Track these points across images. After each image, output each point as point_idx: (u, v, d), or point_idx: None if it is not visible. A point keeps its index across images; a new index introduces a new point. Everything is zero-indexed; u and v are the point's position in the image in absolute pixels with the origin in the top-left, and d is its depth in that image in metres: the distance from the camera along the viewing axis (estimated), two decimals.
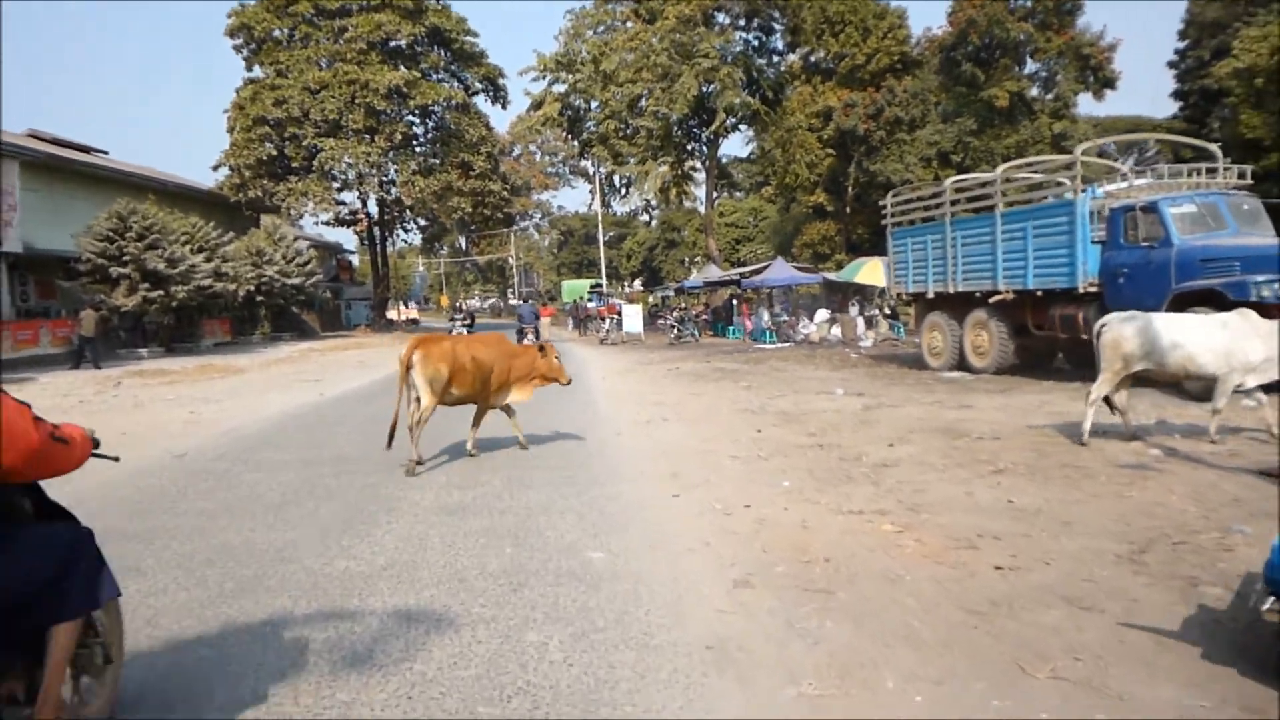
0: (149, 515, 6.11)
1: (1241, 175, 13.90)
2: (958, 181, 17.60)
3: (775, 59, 41.23)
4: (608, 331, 32.76)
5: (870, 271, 28.56)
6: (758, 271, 32.88)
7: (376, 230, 46.19)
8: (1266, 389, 7.73)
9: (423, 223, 50.24)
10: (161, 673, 3.35)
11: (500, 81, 45.52)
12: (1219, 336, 7.58)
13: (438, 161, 42.03)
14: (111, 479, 6.63)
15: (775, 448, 8.41)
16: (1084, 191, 13.46)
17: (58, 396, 14.84)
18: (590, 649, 3.61)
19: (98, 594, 2.70)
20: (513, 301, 72.90)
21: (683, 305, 39.84)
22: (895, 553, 4.88)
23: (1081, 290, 13.10)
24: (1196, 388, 10.57)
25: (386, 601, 4.23)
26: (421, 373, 7.74)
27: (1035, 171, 17.57)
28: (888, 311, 28.38)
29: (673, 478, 7.11)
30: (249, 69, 41.93)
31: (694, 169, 41.64)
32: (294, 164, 39.56)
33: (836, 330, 27.96)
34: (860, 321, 27.40)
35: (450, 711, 3.10)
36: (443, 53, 43.39)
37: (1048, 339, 14.60)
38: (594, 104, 40.31)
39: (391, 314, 52.72)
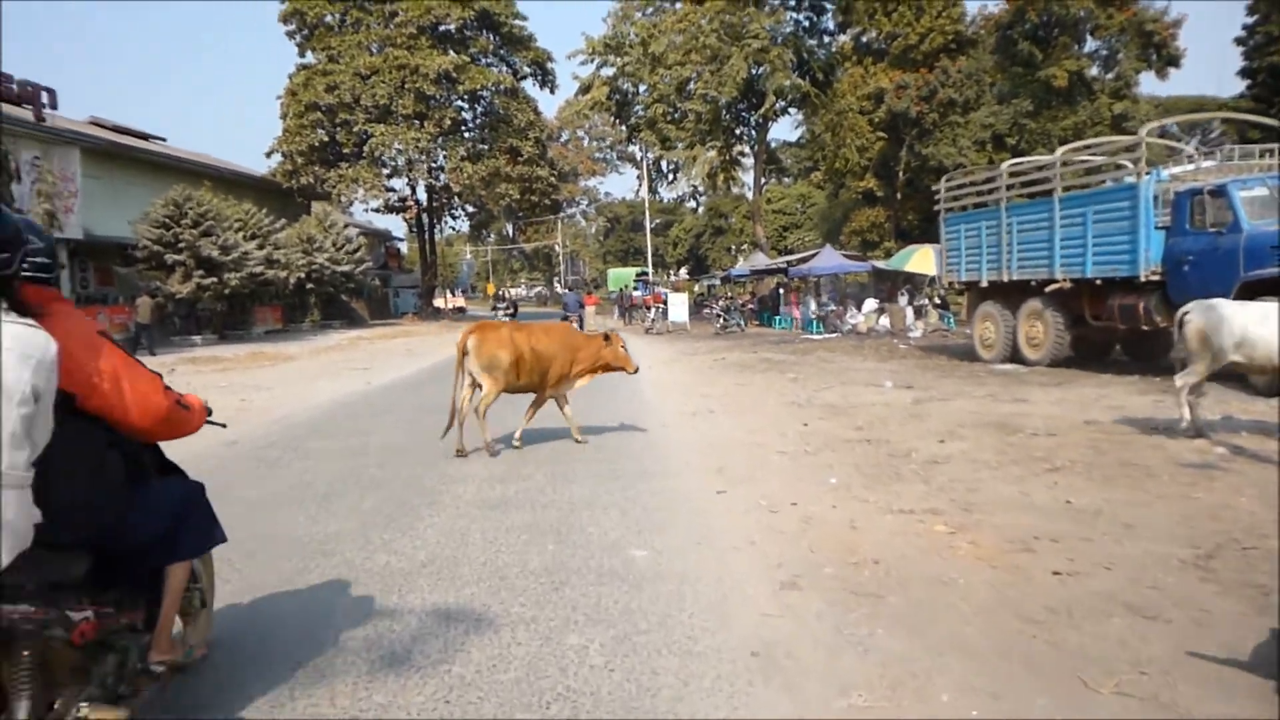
0: None
1: None
2: (1014, 165, 17.14)
3: (826, 40, 40.58)
4: (653, 321, 32.66)
5: (920, 260, 27.98)
6: (805, 259, 32.45)
7: (425, 217, 46.56)
8: None
9: (470, 209, 50.56)
10: (197, 670, 3.32)
11: (549, 65, 45.55)
12: None
13: (486, 147, 42.20)
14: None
15: (822, 442, 8.25)
16: (1148, 174, 12.97)
17: None
18: (632, 653, 3.52)
19: (206, 540, 3.13)
20: (558, 290, 73.10)
21: (729, 294, 39.51)
22: (948, 555, 4.72)
23: (1143, 279, 12.65)
24: (1262, 382, 10.17)
25: (426, 599, 4.19)
26: (477, 359, 7.79)
27: (1095, 154, 17.05)
28: (937, 301, 27.81)
29: (718, 472, 7.01)
30: (301, 55, 42.54)
31: (742, 154, 41.30)
32: (345, 150, 40.02)
33: (885, 320, 27.50)
34: (909, 311, 26.90)
35: (488, 715, 3.04)
36: (492, 37, 43.47)
37: (1105, 330, 14.17)
38: (642, 87, 40.13)
39: (439, 302, 53.17)
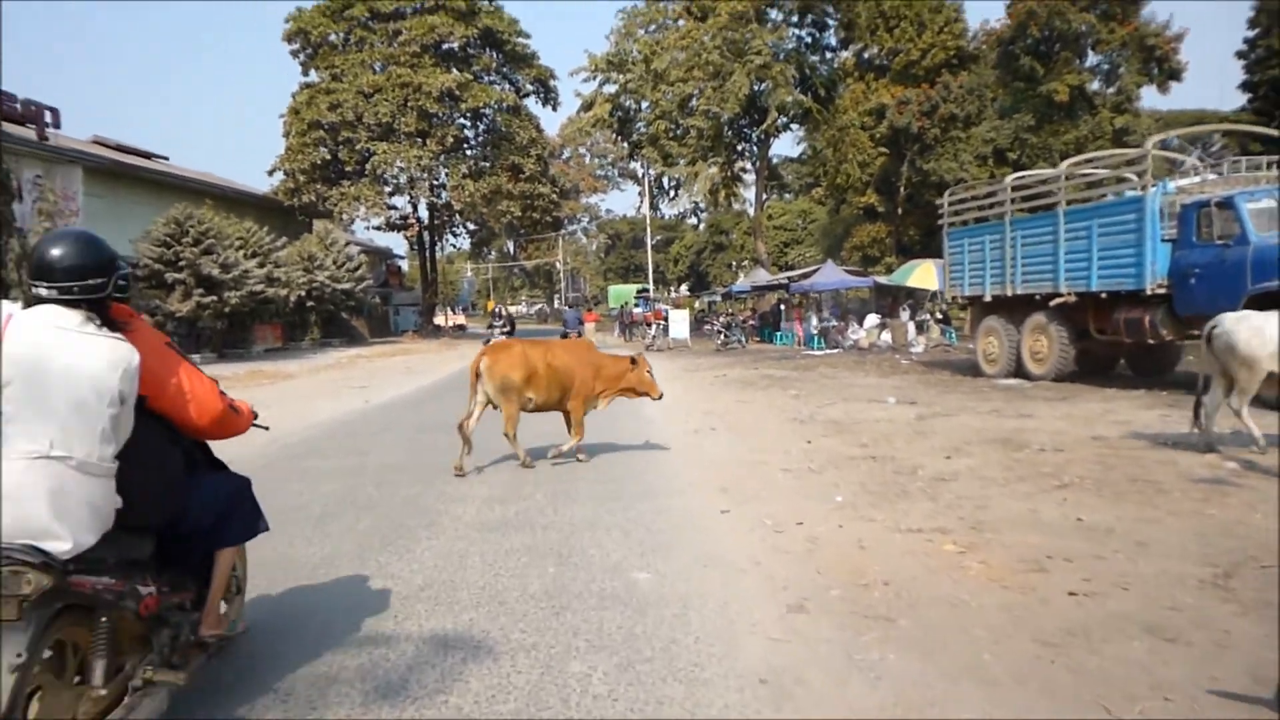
0: None
1: None
2: (1018, 179, 17.08)
3: (828, 56, 40.77)
4: (654, 337, 32.58)
5: (922, 274, 27.91)
6: (806, 275, 32.41)
7: (426, 235, 46.55)
8: None
9: (472, 227, 50.53)
10: (180, 699, 3.11)
11: (551, 83, 45.59)
12: None
13: (488, 165, 42.20)
14: None
15: (827, 459, 8.13)
16: (1154, 187, 12.88)
17: None
18: (636, 681, 3.40)
19: (252, 529, 3.47)
20: (559, 307, 73.07)
21: (729, 311, 39.45)
22: (959, 575, 4.60)
23: (1149, 292, 12.55)
24: (1272, 396, 10.03)
25: (423, 625, 4.06)
26: (490, 380, 7.77)
27: (1099, 167, 16.98)
28: (939, 316, 27.72)
29: (721, 492, 6.89)
30: (305, 74, 42.63)
31: (744, 170, 41.34)
32: (347, 168, 40.02)
33: (886, 336, 27.41)
34: (911, 327, 26.82)
35: None
36: (494, 54, 43.58)
37: (1110, 344, 14.06)
38: (644, 104, 40.21)
39: (439, 320, 53.08)
